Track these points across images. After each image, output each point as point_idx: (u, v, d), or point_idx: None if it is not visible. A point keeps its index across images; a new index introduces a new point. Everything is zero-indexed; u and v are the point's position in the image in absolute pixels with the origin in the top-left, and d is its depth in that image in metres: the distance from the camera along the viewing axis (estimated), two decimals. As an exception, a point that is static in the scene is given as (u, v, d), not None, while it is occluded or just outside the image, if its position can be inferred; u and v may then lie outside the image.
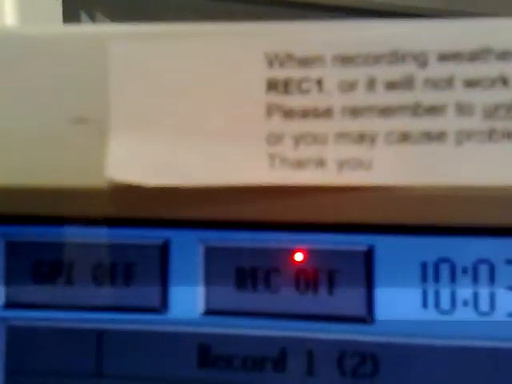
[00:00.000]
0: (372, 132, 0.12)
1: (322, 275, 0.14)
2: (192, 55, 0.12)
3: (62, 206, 0.13)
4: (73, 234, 0.14)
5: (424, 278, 0.13)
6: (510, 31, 0.11)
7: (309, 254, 0.14)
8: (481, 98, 0.11)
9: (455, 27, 0.11)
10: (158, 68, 0.12)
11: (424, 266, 0.14)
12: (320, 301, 0.14)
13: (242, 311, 0.14)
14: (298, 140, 0.12)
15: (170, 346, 0.14)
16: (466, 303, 0.13)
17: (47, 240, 0.14)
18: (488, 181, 0.11)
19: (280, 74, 0.12)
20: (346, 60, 0.12)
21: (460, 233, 0.13)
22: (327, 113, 0.12)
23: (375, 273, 0.14)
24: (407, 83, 0.12)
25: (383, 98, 0.12)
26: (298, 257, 0.14)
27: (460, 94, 0.11)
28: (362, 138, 0.12)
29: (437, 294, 0.13)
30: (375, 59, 0.12)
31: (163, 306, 0.14)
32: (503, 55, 0.11)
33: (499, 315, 0.13)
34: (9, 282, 0.14)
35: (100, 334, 0.14)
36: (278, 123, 0.12)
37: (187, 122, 0.12)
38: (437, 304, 0.13)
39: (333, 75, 0.12)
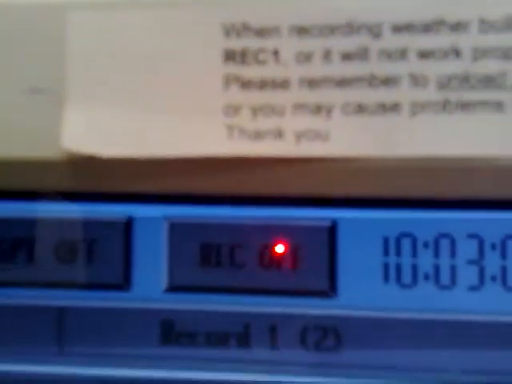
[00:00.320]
0: (329, 103, 0.13)
1: (285, 251, 0.16)
2: (149, 26, 0.13)
3: (19, 180, 0.15)
4: (32, 210, 0.16)
5: (386, 253, 0.15)
6: (463, 3, 0.13)
7: (272, 229, 0.16)
8: (434, 69, 0.13)
9: None
10: (115, 39, 0.13)
11: (386, 241, 0.15)
12: (283, 276, 0.16)
13: (205, 287, 0.16)
14: (256, 111, 0.13)
15: (132, 323, 0.16)
16: (427, 277, 0.15)
17: (4, 216, 0.16)
18: (443, 152, 0.13)
19: (237, 44, 0.13)
20: (301, 31, 0.13)
21: (421, 206, 0.15)
22: (284, 84, 0.13)
23: (338, 248, 0.15)
24: (362, 54, 0.13)
25: (339, 69, 0.13)
26: (262, 232, 0.16)
27: (414, 65, 0.13)
28: (319, 109, 0.13)
29: (398, 268, 0.15)
30: (331, 30, 0.13)
31: (126, 282, 0.16)
32: (456, 26, 0.13)
33: (459, 289, 0.15)
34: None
35: (62, 312, 0.16)
36: (235, 94, 0.13)
37: (144, 93, 0.13)
38: (398, 278, 0.15)
39: (289, 46, 0.13)
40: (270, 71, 0.14)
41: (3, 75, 0.14)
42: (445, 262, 0.16)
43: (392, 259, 0.16)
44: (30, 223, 0.17)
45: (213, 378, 0.16)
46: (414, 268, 0.16)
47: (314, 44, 0.14)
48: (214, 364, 0.16)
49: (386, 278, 0.16)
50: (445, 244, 0.16)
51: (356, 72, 0.14)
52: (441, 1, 0.14)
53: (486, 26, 0.14)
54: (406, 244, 0.16)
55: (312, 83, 0.14)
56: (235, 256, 0.16)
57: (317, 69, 0.14)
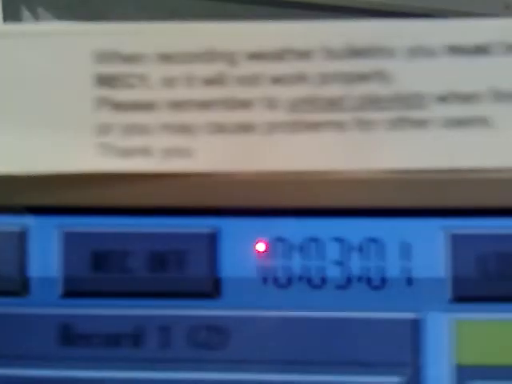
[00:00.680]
0: (192, 123, 0.20)
1: (171, 256, 0.22)
2: (29, 52, 0.20)
3: None
4: None
5: (263, 256, 0.21)
6: (309, 33, 0.19)
7: (158, 236, 0.22)
8: (284, 93, 0.19)
9: (260, 28, 0.19)
10: (1, 63, 0.20)
11: (263, 245, 0.22)
12: (171, 279, 0.22)
13: (98, 292, 0.22)
14: (126, 131, 0.20)
15: (31, 328, 0.22)
16: (301, 279, 0.21)
17: None
18: (295, 166, 0.20)
19: (108, 70, 0.20)
20: (167, 58, 0.20)
21: (291, 213, 0.21)
22: (152, 106, 0.20)
23: (220, 253, 0.22)
24: (221, 80, 0.20)
25: (201, 92, 0.20)
26: (149, 239, 0.22)
27: (267, 89, 0.19)
28: (183, 128, 0.20)
29: (274, 270, 0.21)
30: (193, 58, 0.20)
31: (24, 289, 0.22)
32: (303, 54, 0.19)
33: (328, 288, 0.21)
34: None
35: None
36: (107, 115, 0.20)
37: (26, 113, 0.20)
38: (275, 279, 0.21)
39: (156, 71, 0.20)
40: (139, 94, 0.20)
41: None
42: (315, 264, 0.22)
43: (268, 262, 0.22)
44: None
45: (107, 377, 0.23)
46: (289, 270, 0.22)
47: (178, 70, 0.20)
48: (108, 363, 0.23)
49: (265, 279, 0.22)
50: (314, 247, 0.22)
51: (216, 95, 0.20)
52: (289, 31, 0.20)
53: (329, 53, 0.20)
54: (280, 247, 0.22)
55: (177, 105, 0.20)
56: (125, 262, 0.23)
57: (181, 92, 0.20)
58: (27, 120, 0.20)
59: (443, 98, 0.19)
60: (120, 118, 0.20)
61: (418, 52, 0.19)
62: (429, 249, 0.21)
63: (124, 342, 0.22)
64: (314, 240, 0.22)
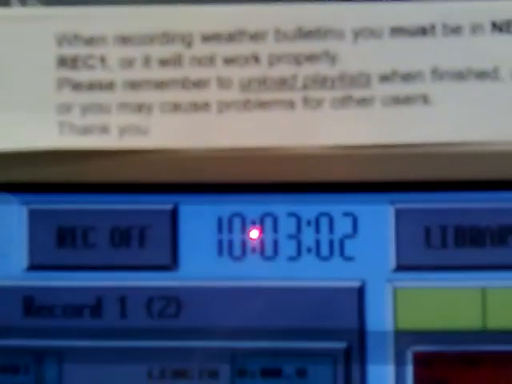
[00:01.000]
0: (149, 102, 0.20)
1: (133, 231, 0.22)
2: None
3: None
4: None
5: (220, 230, 0.22)
6: (261, 14, 0.19)
7: (120, 213, 0.22)
8: (237, 73, 0.19)
9: (214, 11, 0.19)
10: None
11: (220, 220, 0.22)
12: (132, 253, 0.22)
13: (61, 266, 0.22)
14: (85, 109, 0.20)
15: (-3, 299, 0.22)
16: (253, 250, 0.21)
17: None
18: (248, 143, 0.20)
19: (68, 51, 0.19)
20: (125, 40, 0.19)
21: (248, 190, 0.21)
22: (110, 86, 0.20)
23: (179, 227, 0.22)
24: (177, 60, 0.19)
25: (157, 73, 0.20)
26: (111, 215, 0.22)
27: (220, 70, 0.19)
28: (140, 107, 0.20)
29: (230, 243, 0.21)
30: (150, 39, 0.19)
31: (-11, 262, 0.22)
32: (255, 36, 0.19)
33: (280, 259, 0.21)
34: None
35: None
36: (67, 95, 0.20)
37: None
38: (230, 252, 0.22)
39: (114, 53, 0.19)
40: (98, 75, 0.20)
41: None
42: (268, 237, 0.22)
43: (225, 236, 0.22)
44: None
45: (69, 345, 0.22)
46: (244, 243, 0.22)
47: (136, 51, 0.20)
48: (70, 333, 0.23)
49: (220, 252, 0.22)
50: (268, 221, 0.22)
51: (172, 76, 0.20)
52: (242, 13, 0.20)
53: (280, 35, 0.20)
54: (237, 222, 0.22)
55: (134, 85, 0.20)
56: (88, 237, 0.23)
57: (138, 73, 0.20)
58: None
59: (386, 77, 0.19)
60: (80, 97, 0.20)
61: (363, 33, 0.19)
62: (375, 222, 0.21)
63: (85, 313, 0.22)
64: (268, 215, 0.22)
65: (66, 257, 0.22)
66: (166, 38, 0.20)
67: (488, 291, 0.21)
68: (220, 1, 0.20)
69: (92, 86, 0.20)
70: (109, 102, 0.20)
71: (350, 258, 0.21)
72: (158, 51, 0.20)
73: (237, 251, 0.22)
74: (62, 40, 0.20)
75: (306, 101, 0.19)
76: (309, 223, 0.21)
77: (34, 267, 0.22)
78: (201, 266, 0.22)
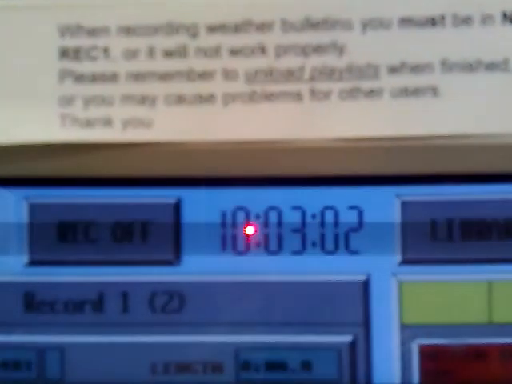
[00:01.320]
0: (152, 94, 0.18)
1: (136, 225, 0.21)
2: None
3: None
4: None
5: (223, 225, 0.20)
6: (268, 4, 0.18)
7: (122, 207, 0.21)
8: (243, 64, 0.18)
9: (220, 1, 0.18)
10: None
11: (223, 214, 0.20)
12: (134, 248, 0.21)
13: (63, 261, 0.21)
14: (88, 102, 0.18)
15: (-3, 294, 0.21)
16: (257, 244, 0.20)
17: None
18: (253, 135, 0.18)
19: (71, 42, 0.18)
20: (128, 31, 0.18)
21: (253, 183, 0.20)
22: (113, 77, 0.18)
23: (182, 221, 0.21)
24: (181, 51, 0.18)
25: (161, 64, 0.18)
26: (113, 210, 0.21)
27: (226, 61, 0.18)
28: (144, 99, 0.18)
29: (234, 237, 0.20)
30: (154, 30, 0.18)
31: (-11, 257, 0.21)
32: (262, 27, 0.18)
33: (285, 254, 0.20)
34: None
35: None
36: (69, 87, 0.18)
37: None
38: (233, 246, 0.20)
39: (117, 44, 0.18)
40: (101, 66, 0.19)
41: None
42: (273, 230, 0.21)
43: (228, 230, 0.21)
44: None
45: (71, 341, 0.21)
46: (247, 237, 0.21)
47: (140, 42, 0.19)
48: (71, 328, 0.21)
49: (224, 246, 0.21)
50: (273, 215, 0.21)
51: (176, 67, 0.19)
52: (249, 3, 0.19)
53: (287, 26, 0.19)
54: (241, 216, 0.21)
55: (138, 77, 0.19)
56: (89, 232, 0.21)
57: (142, 64, 0.19)
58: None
59: (395, 69, 0.18)
60: (82, 89, 0.19)
61: (372, 24, 0.18)
62: (381, 215, 0.20)
63: (87, 308, 0.21)
64: (273, 209, 0.21)
65: (67, 252, 0.21)
66: (171, 28, 0.19)
67: (494, 284, 0.20)
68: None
69: (95, 78, 0.19)
70: (112, 94, 0.19)
71: (355, 252, 0.20)
72: (163, 42, 0.19)
73: (240, 245, 0.21)
74: (64, 31, 0.19)
75: (313, 93, 0.18)
76: (313, 217, 0.21)
77: (34, 262, 0.21)
78: (204, 260, 0.21)
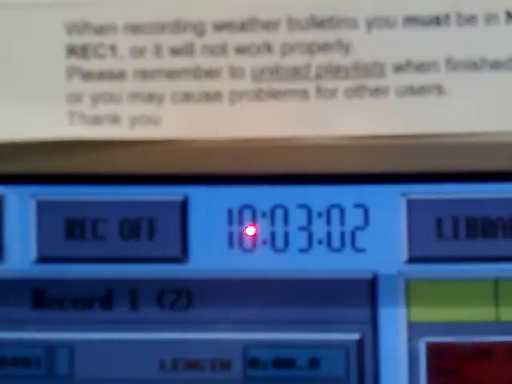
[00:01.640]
0: (160, 92, 0.19)
1: (143, 223, 0.21)
2: (1, 24, 0.18)
3: None
4: None
5: (230, 222, 0.21)
6: (274, 4, 0.18)
7: (129, 204, 0.21)
8: (249, 62, 0.19)
9: None
10: None
11: (230, 212, 0.21)
12: (141, 245, 0.21)
13: (71, 258, 0.21)
14: (96, 99, 0.19)
15: (6, 292, 0.21)
16: (264, 242, 0.21)
17: None
18: (260, 133, 0.19)
19: (78, 40, 0.19)
20: (135, 28, 0.19)
21: (259, 181, 0.21)
22: (121, 75, 0.19)
23: (189, 219, 0.21)
24: (188, 49, 0.19)
25: (168, 62, 0.19)
26: (121, 207, 0.21)
27: (232, 59, 0.19)
28: (151, 97, 0.19)
29: (240, 235, 0.21)
30: (160, 28, 0.19)
31: (-1, 255, 0.21)
32: (268, 25, 0.19)
33: (291, 251, 0.21)
34: None
35: None
36: (77, 84, 0.19)
37: None
38: (240, 244, 0.21)
39: (125, 42, 0.19)
40: (108, 64, 0.20)
41: None
42: (279, 228, 0.21)
43: (235, 228, 0.22)
44: None
45: (79, 338, 0.22)
46: (254, 234, 0.22)
47: (147, 40, 0.19)
48: (80, 325, 0.22)
49: (231, 244, 0.22)
50: (279, 213, 0.21)
51: (183, 65, 0.19)
52: (255, 1, 0.19)
53: (293, 24, 0.19)
54: (247, 214, 0.22)
55: (145, 74, 0.20)
56: (97, 229, 0.22)
57: (149, 62, 0.19)
58: (0, 90, 0.19)
59: (400, 67, 0.18)
60: (90, 86, 0.19)
61: (377, 22, 0.18)
62: (387, 213, 0.20)
63: (95, 305, 0.21)
64: (280, 207, 0.21)
65: (75, 249, 0.22)
66: (178, 26, 0.19)
67: (500, 282, 0.20)
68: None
69: (102, 76, 0.19)
70: (119, 92, 0.19)
71: (361, 250, 0.21)
72: (170, 40, 0.19)
73: (247, 243, 0.21)
74: (71, 29, 0.19)
75: (319, 90, 0.19)
76: (320, 215, 0.21)
77: (43, 259, 0.22)
78: (211, 258, 0.21)
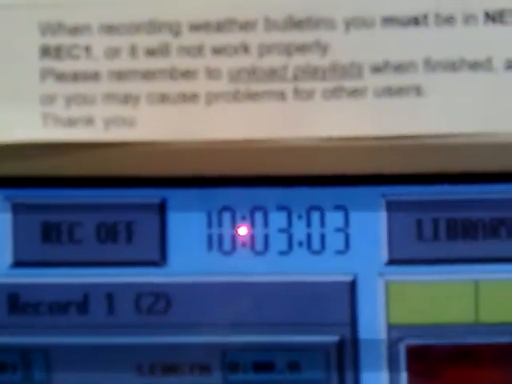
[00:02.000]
0: (135, 93, 0.19)
1: (120, 226, 0.21)
2: None
3: None
4: None
5: (209, 225, 0.21)
6: (251, 3, 0.18)
7: (106, 207, 0.21)
8: (226, 63, 0.19)
9: None
10: None
11: (209, 214, 0.21)
12: (119, 249, 0.21)
13: (47, 262, 0.21)
14: (70, 101, 0.19)
15: (-19, 296, 0.21)
16: (244, 244, 0.21)
17: None
18: (237, 135, 0.19)
19: (52, 41, 0.19)
20: (110, 29, 0.19)
21: (239, 183, 0.21)
22: (95, 76, 0.19)
23: (167, 222, 0.21)
24: (164, 50, 0.19)
25: (144, 63, 0.19)
26: (98, 210, 0.21)
27: (209, 60, 0.19)
28: (126, 98, 0.19)
29: (220, 237, 0.21)
30: (136, 28, 0.19)
31: (-27, 258, 0.21)
32: (245, 25, 0.19)
33: (271, 254, 0.21)
34: None
35: None
36: (51, 85, 0.19)
37: None
38: (220, 246, 0.21)
39: (99, 42, 0.19)
40: (83, 65, 0.19)
41: None
42: (259, 231, 0.22)
43: (214, 230, 0.22)
44: None
45: (57, 343, 0.22)
46: (233, 237, 0.22)
47: (122, 40, 0.19)
48: (56, 330, 0.22)
49: (210, 246, 0.22)
50: (259, 215, 0.22)
51: (159, 66, 0.19)
52: (232, 1, 0.19)
53: (270, 25, 0.19)
54: (227, 217, 0.22)
55: (120, 75, 0.20)
56: (74, 232, 0.22)
57: (124, 63, 0.19)
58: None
59: (378, 68, 0.19)
60: (64, 88, 0.19)
61: (355, 23, 0.18)
62: (367, 215, 0.20)
63: (71, 310, 0.21)
64: (259, 208, 0.21)
65: (51, 253, 0.22)
66: (153, 26, 0.19)
67: (480, 284, 0.20)
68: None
69: (76, 77, 0.19)
70: (94, 93, 0.19)
71: (341, 252, 0.21)
72: (145, 40, 0.19)
73: (227, 246, 0.21)
74: (45, 29, 0.19)
75: (296, 92, 0.19)
76: (300, 217, 0.21)
77: (18, 264, 0.22)
78: (190, 261, 0.21)
